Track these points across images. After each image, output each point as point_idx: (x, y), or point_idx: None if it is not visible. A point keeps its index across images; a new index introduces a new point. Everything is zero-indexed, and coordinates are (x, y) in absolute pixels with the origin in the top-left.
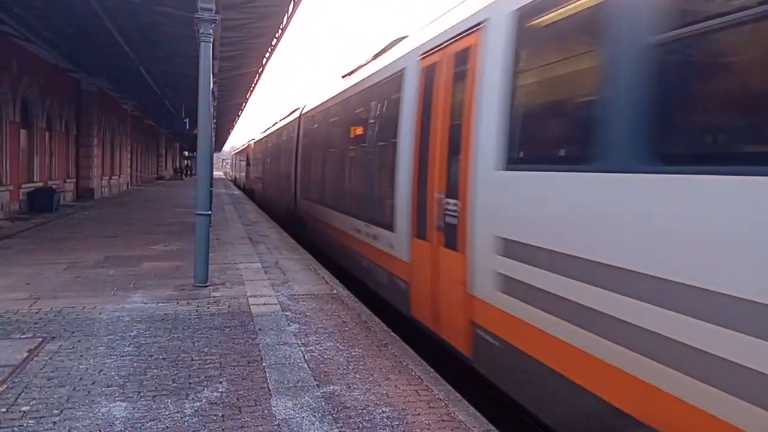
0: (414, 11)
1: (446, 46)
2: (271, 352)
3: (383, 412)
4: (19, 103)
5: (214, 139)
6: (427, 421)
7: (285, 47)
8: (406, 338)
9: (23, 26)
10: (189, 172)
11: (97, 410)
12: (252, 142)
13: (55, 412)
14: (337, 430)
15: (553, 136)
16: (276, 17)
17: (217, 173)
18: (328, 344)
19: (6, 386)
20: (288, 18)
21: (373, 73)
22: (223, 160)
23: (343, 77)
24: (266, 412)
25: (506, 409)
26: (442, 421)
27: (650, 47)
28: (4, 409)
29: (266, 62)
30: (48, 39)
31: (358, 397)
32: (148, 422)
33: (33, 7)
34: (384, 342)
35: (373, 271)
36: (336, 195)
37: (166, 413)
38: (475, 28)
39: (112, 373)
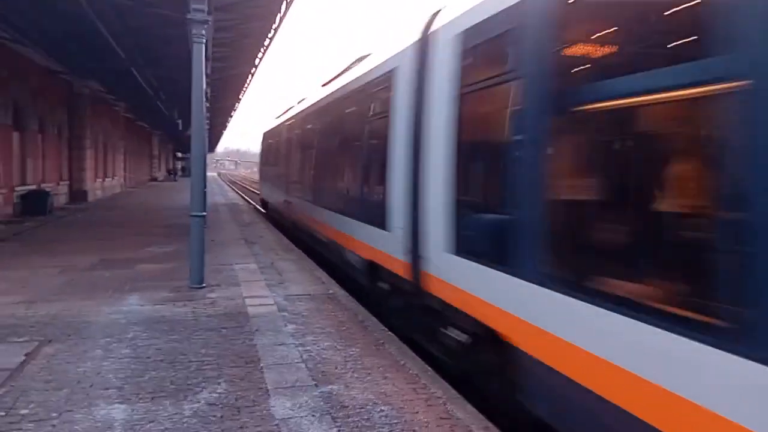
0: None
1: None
2: (269, 353)
3: (382, 410)
4: (11, 105)
5: (207, 140)
6: (425, 420)
7: (280, 47)
8: (404, 337)
9: (14, 29)
10: (182, 173)
11: (95, 413)
12: None
13: (54, 415)
14: (336, 429)
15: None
16: (268, 18)
17: (210, 174)
18: (325, 344)
19: (4, 390)
20: (281, 18)
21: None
22: (217, 160)
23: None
24: (265, 412)
25: (504, 406)
26: (441, 419)
27: None
28: (3, 413)
29: (259, 62)
30: (39, 42)
31: (357, 396)
32: (147, 424)
33: (24, 10)
34: (381, 341)
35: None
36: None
37: (165, 415)
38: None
39: (110, 376)
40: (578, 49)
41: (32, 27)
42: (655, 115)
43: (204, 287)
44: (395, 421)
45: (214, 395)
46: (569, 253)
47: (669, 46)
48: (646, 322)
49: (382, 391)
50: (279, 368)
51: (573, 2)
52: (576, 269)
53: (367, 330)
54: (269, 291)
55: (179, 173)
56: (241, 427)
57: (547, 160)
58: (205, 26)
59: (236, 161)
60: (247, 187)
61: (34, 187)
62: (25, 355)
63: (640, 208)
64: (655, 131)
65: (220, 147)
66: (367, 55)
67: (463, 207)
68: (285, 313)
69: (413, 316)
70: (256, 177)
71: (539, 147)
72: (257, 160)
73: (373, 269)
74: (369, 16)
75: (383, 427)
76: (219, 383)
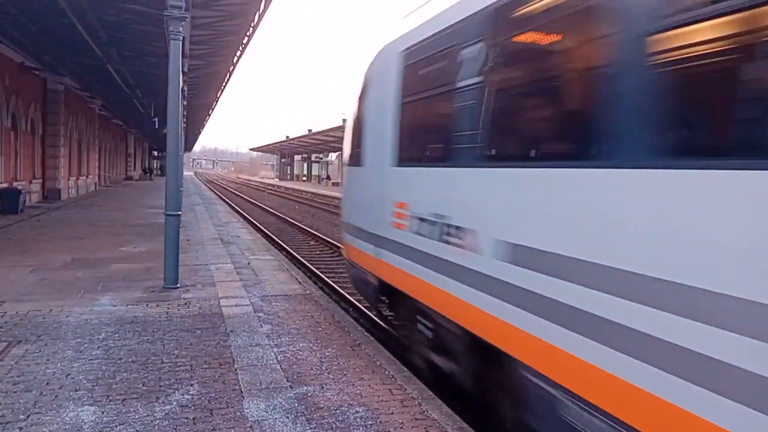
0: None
1: None
2: (243, 354)
3: (357, 411)
4: None
5: (184, 139)
6: (400, 420)
7: (259, 47)
8: (380, 338)
9: None
10: (159, 172)
11: (64, 415)
12: None
13: (21, 417)
14: (310, 430)
15: None
16: (246, 15)
17: (187, 173)
18: (301, 345)
19: None
20: (259, 16)
21: None
22: (194, 159)
23: None
24: (238, 414)
25: (480, 408)
26: (416, 419)
27: None
28: None
29: (237, 61)
30: (13, 37)
31: (332, 397)
32: (117, 426)
33: None
34: (357, 342)
35: None
36: None
37: (136, 417)
38: None
39: (80, 377)
40: None
41: (6, 22)
42: None
43: (179, 287)
44: (370, 422)
45: (187, 397)
46: None
47: None
48: None
49: (358, 392)
50: (253, 369)
51: None
52: None
53: (343, 330)
54: (245, 291)
55: (155, 172)
56: (213, 429)
57: None
58: (183, 23)
59: (214, 160)
60: (225, 187)
61: (5, 185)
62: None
63: None
64: None
65: (198, 146)
66: None
67: None
68: (261, 314)
69: None
70: (233, 177)
71: None
72: (236, 159)
73: None
74: (345, 17)
75: (358, 428)
76: (192, 385)
